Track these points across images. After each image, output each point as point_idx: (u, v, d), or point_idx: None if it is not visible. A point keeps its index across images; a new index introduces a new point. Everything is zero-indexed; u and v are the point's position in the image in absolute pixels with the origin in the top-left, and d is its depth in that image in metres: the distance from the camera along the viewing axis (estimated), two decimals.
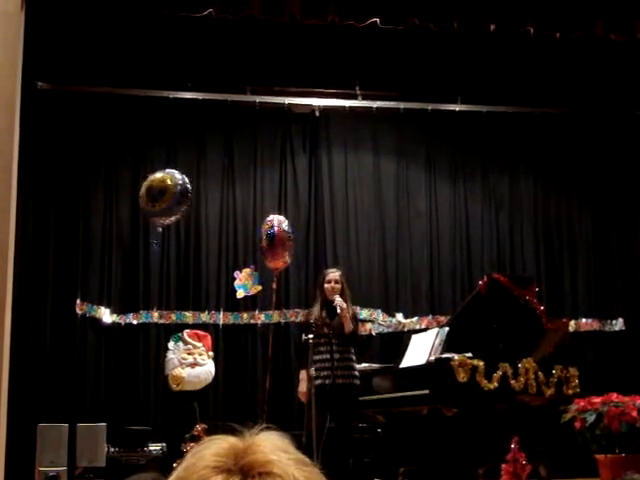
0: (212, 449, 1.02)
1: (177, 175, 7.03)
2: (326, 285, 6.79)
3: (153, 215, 7.00)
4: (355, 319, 6.89)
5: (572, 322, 8.20)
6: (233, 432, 1.05)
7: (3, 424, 4.85)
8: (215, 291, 8.06)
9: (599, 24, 6.52)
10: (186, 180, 7.03)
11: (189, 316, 7.95)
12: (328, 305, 6.72)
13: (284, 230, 7.24)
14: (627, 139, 8.73)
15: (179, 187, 6.91)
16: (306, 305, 7.92)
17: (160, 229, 7.15)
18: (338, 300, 6.61)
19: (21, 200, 6.06)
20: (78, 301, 7.69)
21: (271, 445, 1.03)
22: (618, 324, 8.49)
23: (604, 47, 7.61)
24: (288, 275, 8.15)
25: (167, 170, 7.14)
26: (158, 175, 7.02)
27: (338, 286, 6.77)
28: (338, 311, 6.57)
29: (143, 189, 6.98)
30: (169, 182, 6.91)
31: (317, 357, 6.56)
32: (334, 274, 6.89)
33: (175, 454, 6.61)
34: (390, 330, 8.18)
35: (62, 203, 7.87)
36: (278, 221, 7.28)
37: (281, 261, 7.29)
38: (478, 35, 7.26)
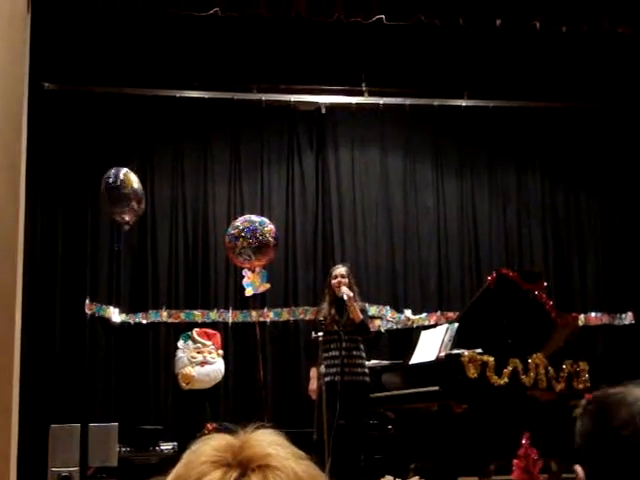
0: (210, 445, 1.03)
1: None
2: (333, 281, 6.80)
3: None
4: (364, 313, 6.89)
5: (581, 316, 8.19)
6: (230, 432, 1.06)
7: (15, 425, 4.85)
8: (224, 289, 8.08)
9: (606, 17, 6.50)
10: (110, 176, 7.18)
11: (198, 315, 7.97)
12: (337, 302, 6.72)
13: (227, 235, 7.36)
14: (635, 133, 8.70)
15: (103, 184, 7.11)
16: (315, 303, 7.92)
17: (126, 227, 7.25)
18: (344, 289, 6.62)
19: (29, 200, 6.06)
20: (87, 301, 7.71)
21: (268, 440, 1.04)
22: (627, 318, 8.48)
23: (611, 40, 7.59)
24: (296, 273, 8.17)
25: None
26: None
27: (345, 280, 6.77)
28: (345, 298, 6.56)
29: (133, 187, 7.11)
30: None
31: (326, 354, 6.56)
32: (339, 269, 6.90)
33: None
34: (399, 326, 8.19)
35: (70, 203, 7.90)
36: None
37: (238, 262, 7.40)
38: (484, 30, 7.23)
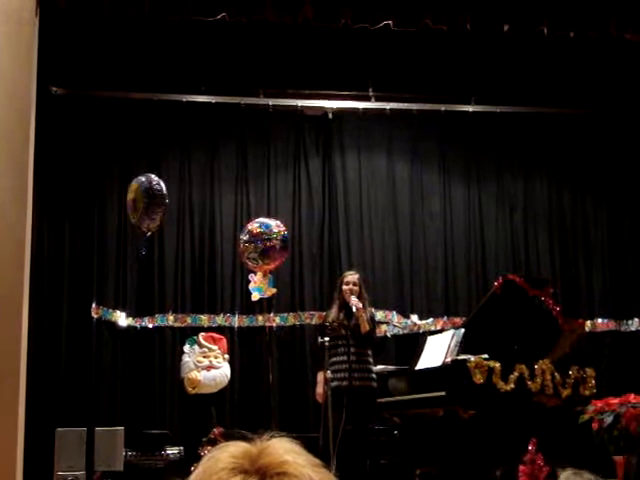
0: (228, 452, 1.05)
1: (141, 178, 7.10)
2: (344, 287, 6.79)
3: (140, 224, 7.08)
4: (372, 321, 6.89)
5: (588, 322, 8.18)
6: (244, 439, 1.08)
7: (21, 429, 4.86)
8: (230, 294, 8.07)
9: (613, 23, 6.49)
10: (153, 182, 7.06)
11: (204, 319, 7.97)
12: (346, 307, 6.73)
13: (239, 239, 7.41)
14: None
15: (143, 192, 6.99)
16: (321, 307, 7.92)
17: (149, 233, 7.20)
18: (354, 300, 6.63)
19: (37, 204, 6.08)
20: (94, 305, 7.72)
21: (285, 447, 1.05)
22: (634, 324, 8.45)
23: (618, 47, 7.57)
24: (303, 278, 8.17)
25: (136, 178, 7.20)
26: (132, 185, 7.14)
27: (356, 288, 6.78)
28: (354, 310, 6.57)
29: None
30: (134, 190, 7.00)
31: (334, 359, 6.56)
32: (352, 276, 6.90)
33: (192, 458, 6.61)
34: (405, 331, 8.18)
35: (77, 207, 7.91)
36: None
37: (249, 266, 7.42)
38: (491, 35, 7.23)
